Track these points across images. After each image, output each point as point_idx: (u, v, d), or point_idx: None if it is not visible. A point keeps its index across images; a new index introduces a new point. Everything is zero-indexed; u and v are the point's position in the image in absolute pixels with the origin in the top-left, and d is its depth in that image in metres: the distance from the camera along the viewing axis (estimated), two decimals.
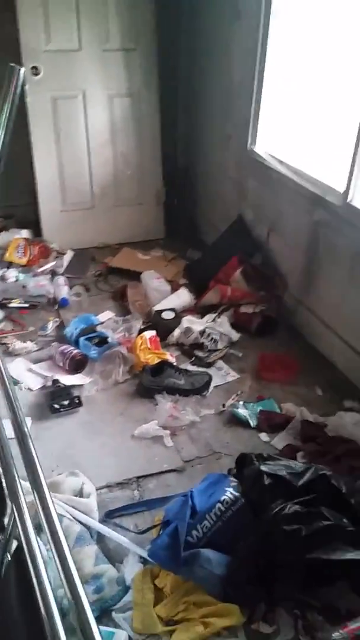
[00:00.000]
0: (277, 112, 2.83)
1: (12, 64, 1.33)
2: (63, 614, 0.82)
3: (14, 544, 1.08)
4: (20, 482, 1.04)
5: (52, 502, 0.96)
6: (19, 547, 1.04)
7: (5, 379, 1.16)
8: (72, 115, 3.35)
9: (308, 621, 1.47)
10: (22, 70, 1.32)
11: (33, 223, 3.56)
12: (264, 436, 2.13)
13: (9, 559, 1.04)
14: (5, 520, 1.10)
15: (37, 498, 0.96)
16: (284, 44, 2.65)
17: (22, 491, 1.02)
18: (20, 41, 3.06)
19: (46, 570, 0.88)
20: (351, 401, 2.28)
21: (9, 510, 1.05)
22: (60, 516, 1.62)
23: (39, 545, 0.92)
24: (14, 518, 1.02)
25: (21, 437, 1.02)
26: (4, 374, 1.18)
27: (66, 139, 3.39)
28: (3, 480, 1.10)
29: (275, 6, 2.60)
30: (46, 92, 3.21)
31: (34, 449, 1.01)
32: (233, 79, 3.06)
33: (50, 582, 0.87)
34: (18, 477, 1.04)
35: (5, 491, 1.04)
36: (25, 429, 1.03)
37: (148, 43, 3.30)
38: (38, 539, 0.95)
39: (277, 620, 1.47)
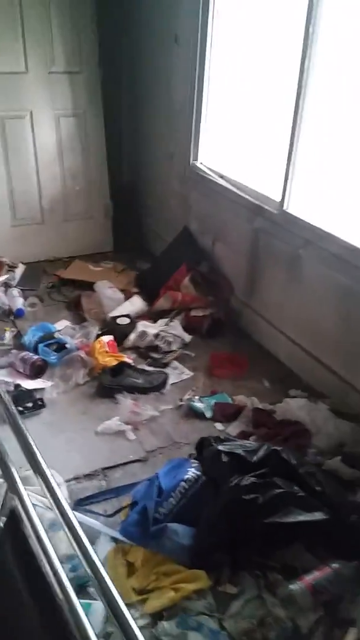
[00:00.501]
0: (217, 129, 3.07)
1: None
2: None
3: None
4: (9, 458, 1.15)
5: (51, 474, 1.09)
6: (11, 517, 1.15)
7: None
8: (20, 134, 3.46)
9: (269, 580, 1.62)
10: None
11: None
12: (219, 425, 2.29)
13: (2, 526, 1.14)
14: None
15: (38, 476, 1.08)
16: (221, 65, 2.89)
17: (12, 464, 1.13)
18: None
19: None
20: (295, 390, 2.49)
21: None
22: (34, 505, 1.71)
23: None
24: (6, 488, 1.13)
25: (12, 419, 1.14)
26: None
27: (14, 157, 3.49)
28: None
29: (212, 31, 2.84)
30: None
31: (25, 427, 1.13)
32: (174, 98, 3.28)
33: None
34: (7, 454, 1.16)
35: None
36: (14, 409, 1.15)
37: (92, 65, 3.47)
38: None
39: (241, 582, 1.61)
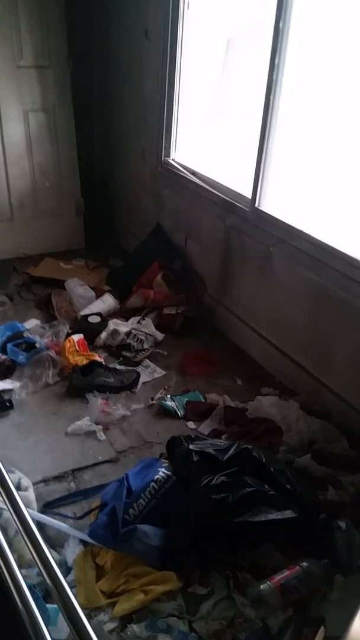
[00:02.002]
0: (189, 125, 3.04)
1: None
2: None
3: None
4: None
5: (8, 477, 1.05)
6: None
7: None
8: None
9: (238, 580, 1.61)
10: None
11: None
12: (191, 424, 2.28)
13: None
14: None
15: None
16: (193, 61, 2.86)
17: None
18: None
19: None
20: (267, 388, 2.49)
21: None
22: (0, 509, 1.67)
23: None
24: None
25: None
26: None
27: None
28: None
29: (182, 25, 2.81)
30: None
31: None
32: (145, 94, 3.24)
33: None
34: None
35: None
36: None
37: (61, 60, 3.40)
38: None
39: (211, 582, 1.60)
